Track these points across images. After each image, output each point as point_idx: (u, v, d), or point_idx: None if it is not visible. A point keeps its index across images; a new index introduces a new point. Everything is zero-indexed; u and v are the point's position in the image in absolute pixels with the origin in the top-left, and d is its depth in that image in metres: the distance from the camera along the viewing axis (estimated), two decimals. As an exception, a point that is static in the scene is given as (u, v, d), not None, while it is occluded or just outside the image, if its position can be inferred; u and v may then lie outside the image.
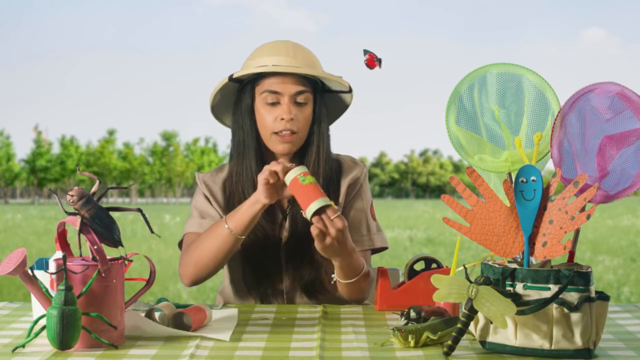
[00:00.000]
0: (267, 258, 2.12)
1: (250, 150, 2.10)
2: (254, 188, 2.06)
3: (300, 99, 2.06)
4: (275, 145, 2.08)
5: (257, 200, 1.91)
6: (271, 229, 2.12)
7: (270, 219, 2.13)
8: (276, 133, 2.06)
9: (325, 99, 2.16)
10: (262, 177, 1.88)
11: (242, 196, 2.09)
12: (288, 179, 1.84)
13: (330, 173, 2.14)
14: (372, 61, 2.11)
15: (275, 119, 2.06)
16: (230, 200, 2.13)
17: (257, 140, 2.11)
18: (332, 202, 1.81)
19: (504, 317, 1.39)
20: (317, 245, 1.82)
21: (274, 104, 2.06)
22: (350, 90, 2.16)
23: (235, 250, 1.99)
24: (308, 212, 1.80)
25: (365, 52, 2.11)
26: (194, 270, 2.04)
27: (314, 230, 1.80)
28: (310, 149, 2.12)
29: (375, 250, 2.19)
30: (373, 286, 2.10)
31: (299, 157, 2.14)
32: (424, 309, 1.70)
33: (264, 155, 2.13)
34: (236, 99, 2.14)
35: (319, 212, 1.80)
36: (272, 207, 2.13)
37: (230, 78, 2.09)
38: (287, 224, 2.13)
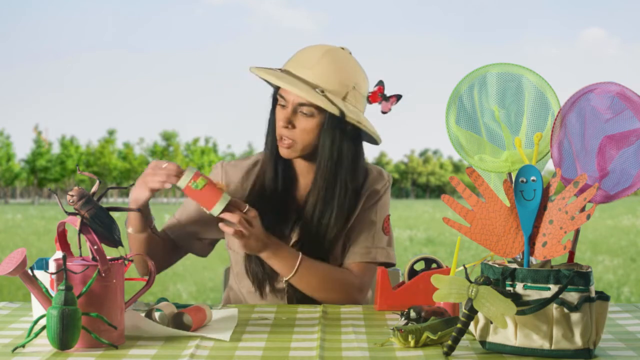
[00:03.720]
0: None
1: (272, 142, 2.13)
2: (273, 176, 2.13)
3: (304, 109, 2.04)
4: (279, 147, 2.09)
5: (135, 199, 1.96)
6: (279, 229, 2.11)
7: (283, 218, 2.13)
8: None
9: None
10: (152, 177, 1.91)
11: (263, 182, 2.14)
12: (181, 186, 1.87)
13: (346, 188, 2.09)
14: (376, 96, 2.09)
15: (278, 123, 2.07)
16: (255, 185, 2.17)
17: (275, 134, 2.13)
18: (229, 197, 1.89)
19: (504, 317, 1.39)
20: (240, 243, 1.94)
21: (283, 107, 2.07)
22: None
23: (146, 245, 2.07)
24: (214, 213, 1.87)
25: (379, 83, 2.10)
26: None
27: (229, 231, 1.90)
28: (317, 160, 2.10)
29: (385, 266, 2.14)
30: (362, 292, 2.09)
31: (308, 162, 2.14)
32: (424, 309, 1.70)
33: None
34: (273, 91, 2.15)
35: (225, 210, 1.88)
36: (285, 206, 2.13)
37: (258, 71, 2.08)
38: (297, 227, 2.13)
